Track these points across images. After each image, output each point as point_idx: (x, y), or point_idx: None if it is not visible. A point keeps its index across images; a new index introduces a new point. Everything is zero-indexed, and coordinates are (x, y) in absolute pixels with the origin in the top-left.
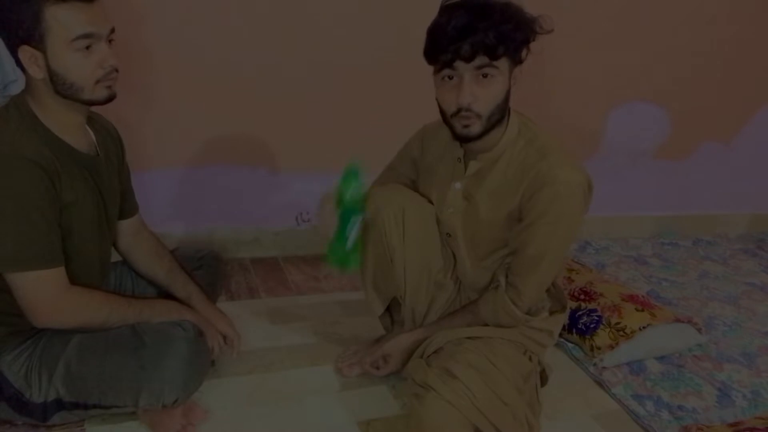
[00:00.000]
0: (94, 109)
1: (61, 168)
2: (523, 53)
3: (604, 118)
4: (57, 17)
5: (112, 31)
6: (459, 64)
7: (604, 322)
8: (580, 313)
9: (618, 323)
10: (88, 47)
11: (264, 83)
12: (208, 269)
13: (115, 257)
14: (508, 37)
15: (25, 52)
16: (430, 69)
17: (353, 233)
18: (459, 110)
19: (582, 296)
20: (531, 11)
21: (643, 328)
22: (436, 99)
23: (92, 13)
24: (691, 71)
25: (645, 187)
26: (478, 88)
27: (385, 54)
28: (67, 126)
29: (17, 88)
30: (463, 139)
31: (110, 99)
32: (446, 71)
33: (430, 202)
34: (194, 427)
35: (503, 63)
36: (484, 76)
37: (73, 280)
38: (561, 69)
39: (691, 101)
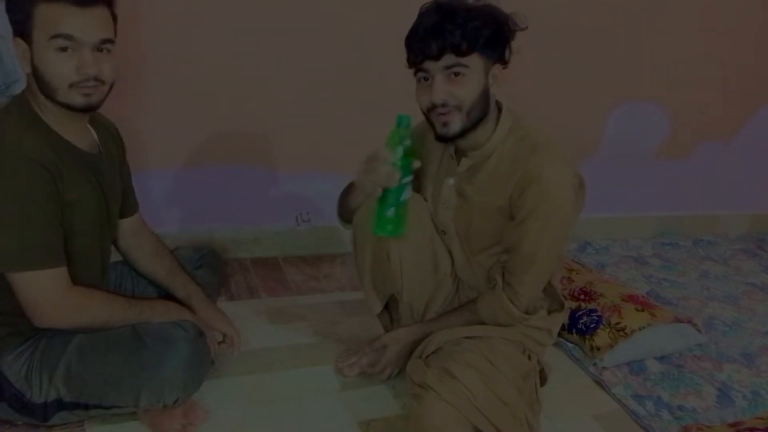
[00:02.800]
0: None
1: (63, 167)
2: (506, 53)
3: (604, 118)
4: (44, 14)
5: (106, 41)
6: (429, 64)
7: (604, 322)
8: (580, 313)
9: (618, 323)
10: (65, 49)
11: (264, 83)
12: (208, 269)
13: (115, 257)
14: (474, 34)
15: (19, 45)
16: None
17: (407, 194)
18: (434, 106)
19: (582, 296)
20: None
21: (643, 328)
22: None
23: (81, 17)
24: (691, 71)
25: (645, 187)
26: (450, 87)
27: (385, 53)
28: (68, 125)
29: (20, 87)
30: (443, 139)
31: (88, 108)
32: (420, 73)
33: (425, 199)
34: (194, 427)
35: (475, 61)
36: (456, 74)
37: (74, 279)
38: (561, 69)
39: (691, 101)
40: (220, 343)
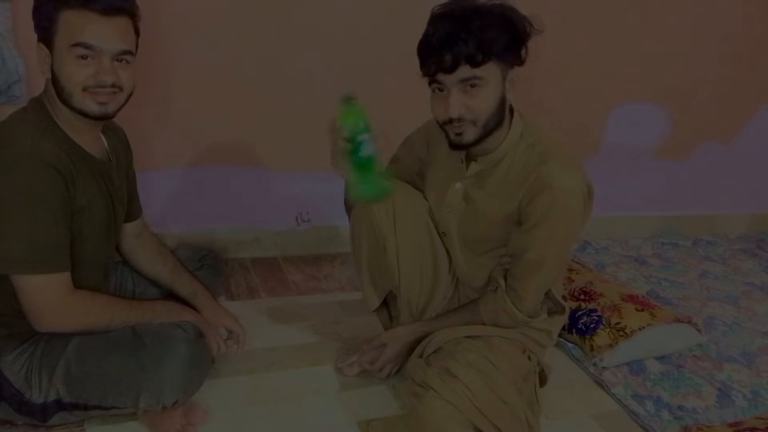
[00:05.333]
0: None
1: (76, 172)
2: (522, 53)
3: (604, 118)
4: (67, 21)
5: (126, 53)
6: (443, 77)
7: (604, 322)
8: (580, 313)
9: (618, 323)
10: (84, 57)
11: (264, 83)
12: (208, 269)
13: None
14: (490, 43)
15: (40, 50)
16: None
17: (368, 150)
18: (450, 120)
19: (582, 296)
20: (527, 11)
21: (643, 328)
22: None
23: (102, 27)
24: (691, 71)
25: (645, 187)
26: (467, 99)
27: (386, 54)
28: (82, 131)
29: (20, 88)
30: (456, 147)
31: (104, 116)
32: (434, 84)
33: (426, 199)
34: (194, 427)
35: (491, 69)
36: (472, 86)
37: (77, 283)
38: (561, 69)
39: (691, 101)
40: (225, 340)
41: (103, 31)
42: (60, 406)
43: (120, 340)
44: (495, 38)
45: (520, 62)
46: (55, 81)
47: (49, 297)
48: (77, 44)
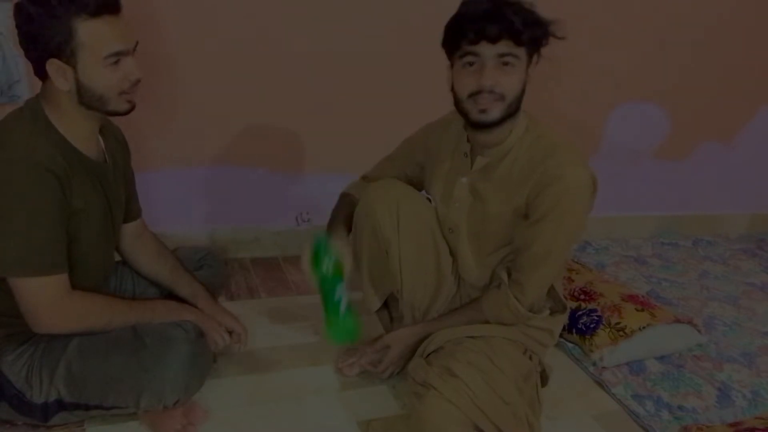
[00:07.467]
0: None
1: (73, 174)
2: (535, 56)
3: (604, 118)
4: (90, 33)
5: (136, 44)
6: (483, 47)
7: (604, 322)
8: (580, 313)
9: (618, 323)
10: (117, 62)
11: (264, 84)
12: (208, 269)
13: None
14: (532, 24)
15: (53, 65)
16: (433, 69)
17: (343, 300)
18: (480, 91)
19: (582, 296)
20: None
21: (643, 328)
22: (451, 89)
23: (121, 27)
24: (691, 71)
25: (645, 187)
26: (499, 74)
27: (384, 55)
28: (80, 133)
29: (22, 88)
30: (478, 125)
31: (131, 111)
32: (468, 57)
33: (429, 200)
34: (194, 427)
35: (523, 54)
36: (505, 64)
37: (77, 284)
38: (562, 69)
39: (691, 101)
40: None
41: (124, 33)
42: (61, 406)
43: (121, 340)
44: (535, 26)
45: (535, 59)
46: (84, 90)
47: (47, 299)
48: (111, 55)
